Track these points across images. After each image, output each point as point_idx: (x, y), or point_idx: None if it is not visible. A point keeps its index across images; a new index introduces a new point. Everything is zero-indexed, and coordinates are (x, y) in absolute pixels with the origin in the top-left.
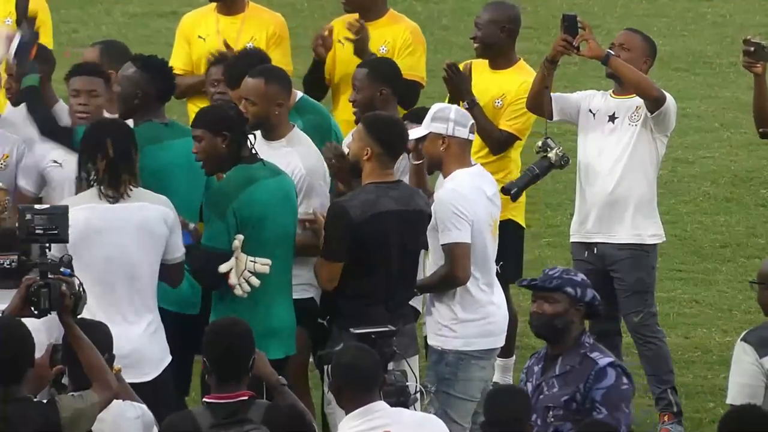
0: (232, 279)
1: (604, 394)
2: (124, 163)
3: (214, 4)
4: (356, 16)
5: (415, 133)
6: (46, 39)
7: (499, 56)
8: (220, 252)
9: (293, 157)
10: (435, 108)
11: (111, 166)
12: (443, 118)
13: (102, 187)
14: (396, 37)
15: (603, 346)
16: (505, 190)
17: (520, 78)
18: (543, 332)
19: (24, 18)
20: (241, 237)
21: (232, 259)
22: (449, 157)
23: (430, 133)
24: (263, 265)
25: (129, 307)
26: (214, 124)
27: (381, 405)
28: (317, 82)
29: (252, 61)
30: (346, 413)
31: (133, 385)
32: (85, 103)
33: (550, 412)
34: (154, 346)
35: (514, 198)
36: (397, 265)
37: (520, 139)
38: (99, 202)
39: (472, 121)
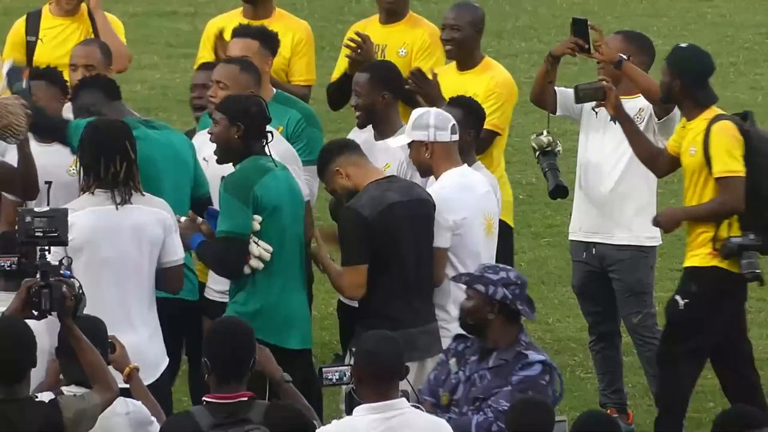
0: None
1: (521, 379)
2: (137, 168)
3: (240, 9)
4: (374, 20)
5: (397, 141)
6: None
7: (469, 57)
8: (246, 238)
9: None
10: (414, 115)
11: (129, 170)
12: (423, 125)
13: (115, 191)
14: (415, 39)
15: (603, 345)
16: (558, 192)
17: (487, 75)
18: (462, 327)
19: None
20: (259, 218)
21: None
22: (436, 161)
23: (413, 141)
24: (265, 250)
25: (127, 311)
26: (233, 113)
27: (402, 403)
28: (345, 95)
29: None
30: (365, 402)
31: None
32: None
33: (477, 403)
34: (152, 350)
35: (567, 194)
36: (413, 258)
37: (500, 134)
38: (100, 205)
39: (453, 121)
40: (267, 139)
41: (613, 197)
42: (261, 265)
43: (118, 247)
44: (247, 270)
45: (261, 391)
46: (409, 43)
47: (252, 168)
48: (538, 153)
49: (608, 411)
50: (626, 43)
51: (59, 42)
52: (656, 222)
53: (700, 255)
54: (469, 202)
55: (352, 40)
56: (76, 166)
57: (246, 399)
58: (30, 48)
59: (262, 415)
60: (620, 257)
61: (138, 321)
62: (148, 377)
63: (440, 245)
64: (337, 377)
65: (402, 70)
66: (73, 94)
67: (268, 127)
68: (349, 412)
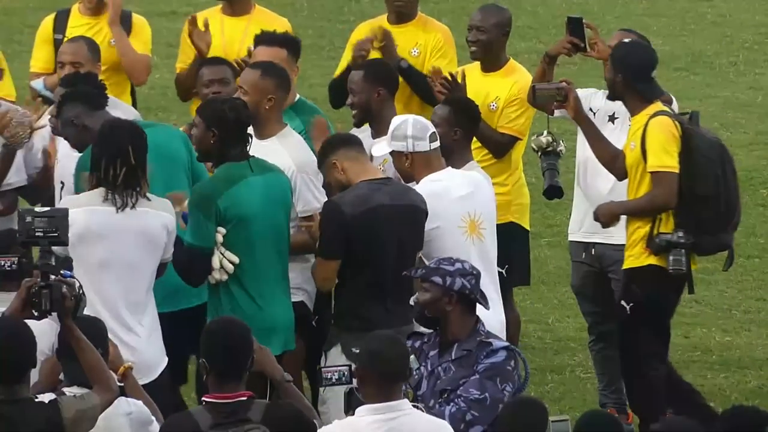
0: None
1: (487, 367)
2: (142, 172)
3: (219, 6)
4: (383, 20)
5: (378, 150)
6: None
7: (495, 59)
8: (208, 251)
9: (282, 154)
10: (393, 125)
11: (130, 174)
12: (401, 136)
13: (115, 194)
14: (427, 39)
15: (603, 345)
16: (551, 193)
17: (511, 79)
18: (418, 321)
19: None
20: (222, 230)
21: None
22: (416, 169)
23: (393, 151)
24: (230, 262)
25: (126, 311)
26: (208, 119)
27: (405, 404)
28: (344, 88)
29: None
30: (368, 402)
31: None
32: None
33: (446, 395)
34: (150, 349)
35: (562, 196)
36: (394, 261)
37: (521, 140)
38: (102, 205)
39: (431, 130)
40: (247, 143)
41: (612, 197)
42: (225, 277)
43: (115, 248)
44: (211, 281)
45: (260, 390)
46: (422, 44)
47: (220, 179)
48: (540, 153)
49: (608, 411)
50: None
51: None
52: (596, 216)
53: (635, 255)
54: (439, 208)
55: (375, 35)
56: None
57: (245, 398)
58: (57, 45)
59: (262, 414)
60: (619, 257)
61: (134, 321)
62: (146, 377)
63: None
64: (337, 377)
65: None
66: (57, 108)
67: (289, 128)
68: (347, 412)
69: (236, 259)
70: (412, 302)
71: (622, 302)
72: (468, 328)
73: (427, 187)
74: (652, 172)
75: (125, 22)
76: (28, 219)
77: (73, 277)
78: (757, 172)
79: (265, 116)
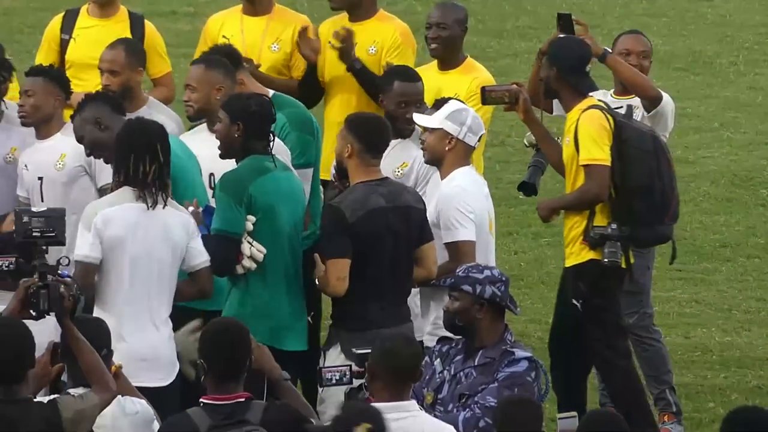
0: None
1: (507, 376)
2: (167, 171)
3: (240, 6)
4: (344, 18)
5: (424, 120)
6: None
7: (453, 56)
8: (238, 237)
9: None
10: (453, 106)
11: (159, 171)
12: (459, 121)
13: (145, 191)
14: (385, 37)
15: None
16: (527, 189)
17: (470, 76)
18: (448, 329)
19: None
20: (252, 218)
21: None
22: (451, 157)
23: (441, 129)
24: (258, 251)
25: (151, 309)
26: (234, 112)
27: (413, 406)
28: (313, 86)
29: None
30: (376, 400)
31: (148, 389)
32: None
33: (464, 400)
34: (171, 350)
35: (536, 194)
36: (389, 263)
37: (483, 134)
38: (136, 203)
39: (483, 131)
40: (270, 139)
41: None
42: (254, 266)
43: (148, 246)
44: (240, 270)
45: (258, 391)
46: (379, 41)
47: (249, 167)
48: (534, 149)
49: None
50: (646, 43)
51: (92, 42)
52: (538, 212)
53: (575, 252)
54: (481, 200)
55: (338, 33)
56: (62, 161)
57: (243, 400)
58: (63, 46)
59: (260, 415)
60: None
61: (159, 320)
62: (167, 377)
63: (469, 238)
64: (337, 377)
65: (371, 68)
66: (78, 106)
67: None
68: None
69: (264, 249)
70: (443, 309)
71: (573, 301)
72: (497, 335)
73: (470, 178)
74: (583, 166)
75: (137, 27)
76: (25, 219)
77: (71, 277)
78: (757, 172)
79: (217, 108)
